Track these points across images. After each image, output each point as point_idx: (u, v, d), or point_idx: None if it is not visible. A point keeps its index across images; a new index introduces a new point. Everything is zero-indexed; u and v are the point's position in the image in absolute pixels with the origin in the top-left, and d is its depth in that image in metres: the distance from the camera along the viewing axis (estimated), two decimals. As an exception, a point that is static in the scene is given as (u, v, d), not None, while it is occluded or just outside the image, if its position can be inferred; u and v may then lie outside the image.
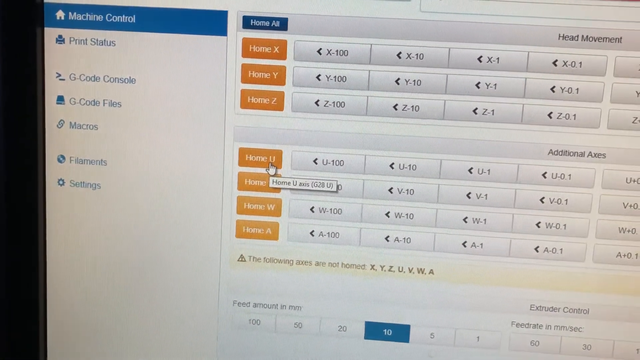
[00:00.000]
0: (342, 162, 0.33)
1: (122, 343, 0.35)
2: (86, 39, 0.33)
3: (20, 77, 0.33)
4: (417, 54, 0.32)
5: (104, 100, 0.33)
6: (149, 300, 0.35)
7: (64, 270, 0.35)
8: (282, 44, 0.32)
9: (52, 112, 0.34)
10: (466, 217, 0.33)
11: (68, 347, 0.36)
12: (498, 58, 0.32)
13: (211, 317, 0.35)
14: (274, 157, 0.33)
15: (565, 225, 0.32)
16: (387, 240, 0.33)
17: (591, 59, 0.31)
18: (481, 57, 0.32)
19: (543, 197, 0.32)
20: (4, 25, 0.33)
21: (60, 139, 0.34)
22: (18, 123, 0.33)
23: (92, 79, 0.33)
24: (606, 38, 0.31)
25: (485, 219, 0.33)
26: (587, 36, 0.31)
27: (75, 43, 0.33)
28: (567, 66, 0.31)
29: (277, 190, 0.33)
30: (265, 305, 0.34)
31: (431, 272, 0.33)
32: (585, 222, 0.32)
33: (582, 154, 0.32)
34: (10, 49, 0.33)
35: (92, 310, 0.35)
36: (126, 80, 0.33)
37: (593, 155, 0.32)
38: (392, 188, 0.33)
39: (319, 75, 0.32)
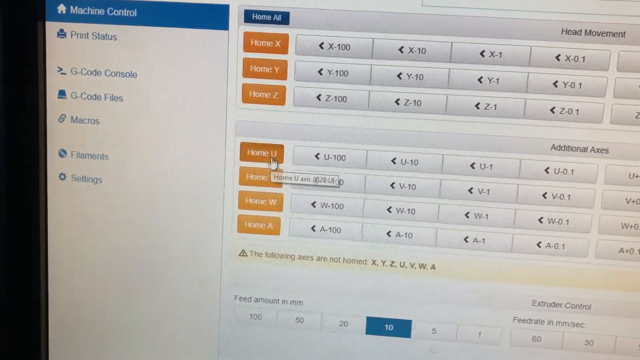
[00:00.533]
0: (343, 157, 0.33)
1: (124, 338, 0.35)
2: (88, 33, 0.33)
3: (22, 72, 0.33)
4: (419, 49, 0.32)
5: (105, 94, 0.33)
6: (151, 295, 0.35)
7: (65, 265, 0.35)
8: (284, 38, 0.32)
9: (54, 107, 0.34)
10: (468, 212, 0.33)
11: (69, 343, 0.36)
12: (501, 52, 0.31)
13: (213, 312, 0.35)
14: (276, 152, 0.33)
15: (567, 220, 0.32)
16: (389, 236, 0.33)
17: (594, 54, 0.31)
18: (484, 51, 0.31)
19: (545, 193, 0.32)
20: (5, 19, 0.33)
21: (62, 133, 0.34)
22: (19, 117, 0.33)
23: (94, 73, 0.33)
24: (609, 32, 0.31)
25: (487, 214, 0.33)
26: (590, 30, 0.31)
27: (77, 37, 0.33)
28: (570, 61, 0.31)
29: (279, 185, 0.33)
30: (266, 300, 0.34)
31: (433, 267, 0.33)
32: (588, 218, 0.32)
33: (585, 149, 0.32)
34: (11, 43, 0.33)
35: (93, 305, 0.35)
36: (127, 75, 0.33)
37: (596, 150, 0.32)
38: (394, 183, 0.33)
39: (321, 69, 0.32)
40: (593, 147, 0.32)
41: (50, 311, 0.35)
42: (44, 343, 0.36)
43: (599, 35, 0.31)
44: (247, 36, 0.32)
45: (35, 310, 0.35)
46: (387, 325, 0.34)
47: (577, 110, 0.32)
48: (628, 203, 0.32)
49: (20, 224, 0.34)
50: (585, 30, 0.31)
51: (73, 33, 0.33)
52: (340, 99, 0.32)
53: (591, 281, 0.33)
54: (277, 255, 0.34)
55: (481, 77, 0.32)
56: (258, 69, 0.33)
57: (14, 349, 0.35)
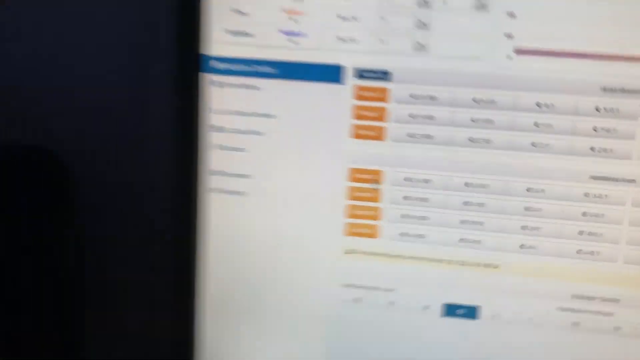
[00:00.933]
0: (429, 180, 0.43)
1: (260, 320, 0.46)
2: (236, 84, 0.44)
3: (186, 111, 0.44)
4: (489, 100, 0.42)
5: (249, 130, 0.44)
6: (281, 285, 0.45)
7: (215, 261, 0.46)
8: (385, 91, 0.42)
9: (209, 138, 0.45)
10: (525, 225, 0.42)
11: (218, 327, 0.47)
12: (553, 104, 0.41)
13: (326, 296, 0.45)
14: (376, 176, 0.44)
15: (602, 234, 0.42)
16: (462, 242, 0.43)
17: (627, 107, 0.40)
18: (539, 103, 0.41)
19: (585, 212, 0.42)
20: (176, 72, 0.44)
21: (215, 157, 0.45)
22: (184, 145, 0.45)
23: (240, 114, 0.44)
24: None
25: (539, 227, 0.42)
26: (624, 89, 0.40)
27: (228, 87, 0.44)
28: (607, 112, 0.40)
29: (378, 200, 0.44)
30: (366, 287, 0.45)
31: (496, 266, 0.43)
32: (618, 232, 0.42)
33: (617, 179, 0.41)
34: (179, 90, 0.44)
35: (236, 293, 0.46)
36: (267, 116, 0.44)
37: (626, 180, 0.41)
38: (467, 201, 0.43)
39: (413, 114, 0.42)
40: (623, 178, 0.41)
41: (204, 294, 0.47)
42: (194, 323, 0.47)
43: (631, 92, 0.40)
44: (357, 89, 0.43)
45: (190, 292, 0.46)
46: (459, 310, 0.44)
47: (612, 149, 0.41)
48: (650, 221, 0.41)
49: (181, 228, 0.45)
50: (620, 88, 0.40)
51: (225, 83, 0.44)
52: (427, 136, 0.43)
53: (620, 281, 0.42)
54: (376, 254, 0.44)
55: (537, 122, 0.41)
56: (365, 114, 0.43)
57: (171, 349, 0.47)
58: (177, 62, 0.44)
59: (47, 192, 0.49)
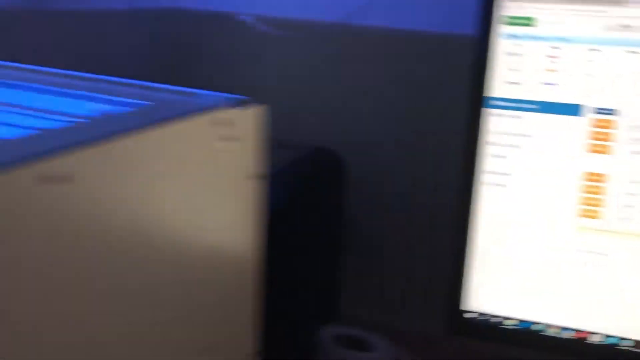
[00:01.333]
0: (638, 181, 0.65)
1: (516, 270, 0.70)
2: (507, 115, 0.68)
3: (473, 131, 0.69)
4: (685, 129, 0.63)
5: (512, 144, 0.68)
6: (530, 248, 0.69)
7: (484, 230, 0.70)
8: (611, 122, 0.65)
9: (485, 148, 0.69)
10: None
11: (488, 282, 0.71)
12: None
13: (563, 258, 0.68)
14: (602, 177, 0.66)
15: None
16: (662, 224, 0.65)
17: None
18: None
19: None
20: (470, 107, 0.69)
21: (487, 162, 0.69)
22: (470, 153, 0.69)
23: (507, 134, 0.68)
24: None
25: None
26: None
27: (501, 116, 0.68)
28: None
29: (601, 192, 0.66)
30: (591, 252, 0.67)
31: (686, 242, 0.64)
32: None
33: None
34: (470, 118, 0.69)
35: (498, 257, 0.70)
36: (525, 136, 0.67)
37: None
38: (666, 197, 0.64)
39: (631, 137, 0.64)
40: None
41: (475, 252, 0.71)
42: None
43: None
44: (591, 120, 0.65)
45: (465, 250, 0.70)
46: (657, 271, 0.65)
47: None
48: None
49: (463, 207, 0.70)
50: None
51: (499, 114, 0.68)
52: (639, 152, 0.65)
53: None
54: (599, 230, 0.66)
55: None
56: (596, 136, 0.66)
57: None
58: (470, 100, 0.69)
59: (339, 184, 0.76)
